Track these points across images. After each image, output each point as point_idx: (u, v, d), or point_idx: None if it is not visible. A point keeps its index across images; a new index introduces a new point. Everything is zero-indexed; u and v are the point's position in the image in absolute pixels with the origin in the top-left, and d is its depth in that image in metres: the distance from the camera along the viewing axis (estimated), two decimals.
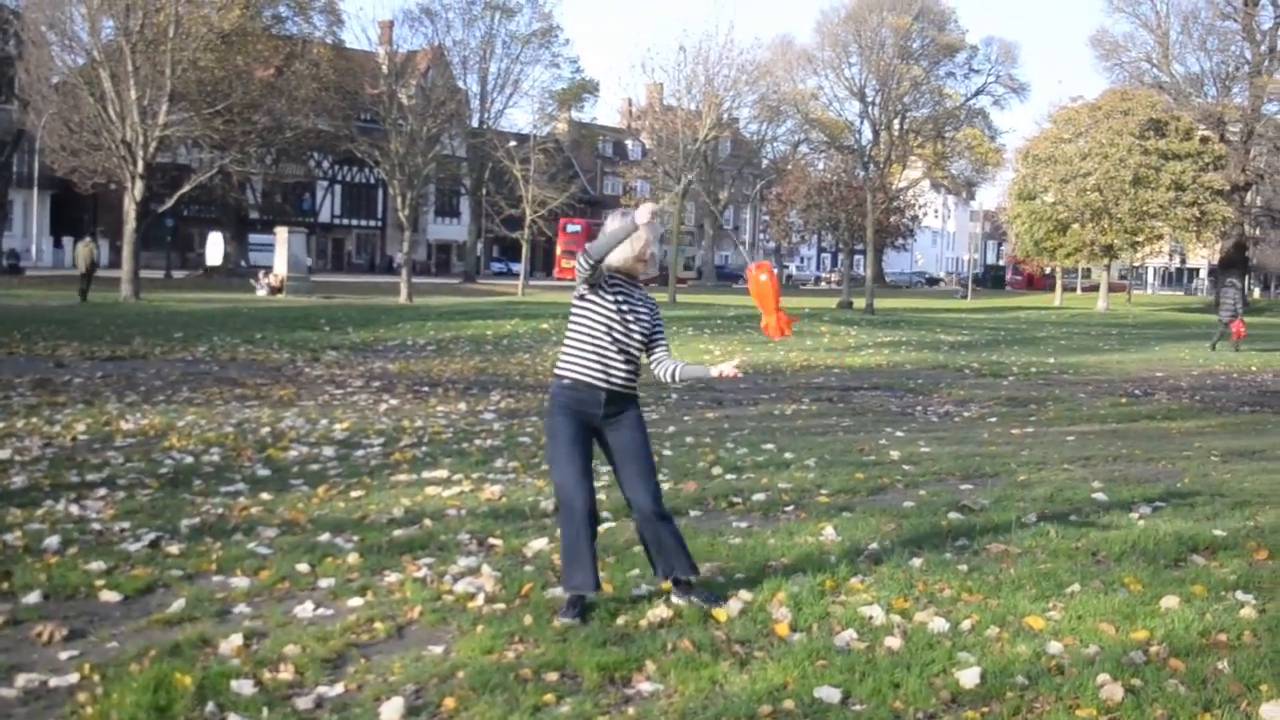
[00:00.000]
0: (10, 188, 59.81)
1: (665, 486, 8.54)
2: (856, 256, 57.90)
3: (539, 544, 6.72)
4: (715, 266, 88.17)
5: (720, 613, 5.49)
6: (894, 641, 5.15)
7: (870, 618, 5.48)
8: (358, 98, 58.57)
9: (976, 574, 6.27)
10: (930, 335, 30.16)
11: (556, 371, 5.59)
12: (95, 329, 22.57)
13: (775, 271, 5.51)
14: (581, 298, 5.49)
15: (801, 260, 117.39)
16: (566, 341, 5.59)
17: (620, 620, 5.41)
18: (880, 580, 6.12)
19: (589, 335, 5.48)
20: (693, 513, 7.81)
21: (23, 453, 9.50)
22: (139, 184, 36.03)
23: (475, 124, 69.69)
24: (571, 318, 5.57)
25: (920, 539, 7.10)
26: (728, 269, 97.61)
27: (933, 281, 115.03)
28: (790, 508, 8.03)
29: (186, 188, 40.77)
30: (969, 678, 4.66)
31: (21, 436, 10.30)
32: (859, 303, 46.75)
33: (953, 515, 7.80)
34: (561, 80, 76.60)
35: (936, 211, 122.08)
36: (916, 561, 6.50)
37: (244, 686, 4.54)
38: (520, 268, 56.91)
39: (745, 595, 5.75)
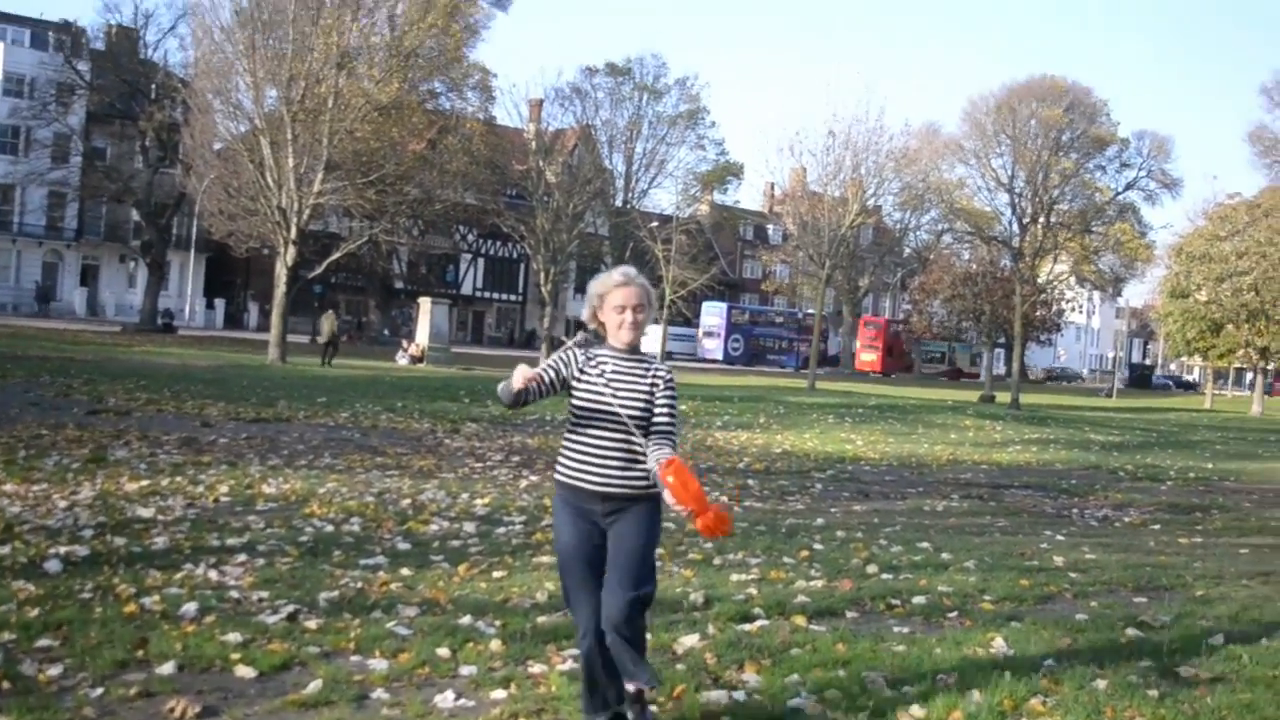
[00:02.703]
0: (169, 249, 61.77)
1: (817, 584, 8.12)
2: (997, 350, 56.70)
3: (690, 640, 6.35)
4: (852, 354, 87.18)
5: None
6: None
7: None
8: (505, 173, 59.52)
9: (1170, 701, 5.74)
10: (1079, 434, 29.15)
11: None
12: (242, 390, 22.87)
13: (685, 465, 4.51)
14: (571, 391, 4.80)
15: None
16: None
17: None
18: (1063, 703, 5.61)
19: (572, 430, 4.85)
20: (849, 614, 7.37)
21: (166, 512, 9.43)
22: (291, 250, 36.83)
23: (619, 203, 70.28)
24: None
25: (1099, 656, 6.57)
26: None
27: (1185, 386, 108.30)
28: (954, 614, 7.54)
29: (336, 255, 41.59)
30: None
31: (166, 495, 10.27)
32: (1001, 397, 45.61)
33: (1131, 631, 7.24)
34: (706, 162, 76.89)
35: (1080, 307, 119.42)
36: (1101, 683, 5.97)
37: None
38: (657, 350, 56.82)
39: (916, 712, 5.30)
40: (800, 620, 7.02)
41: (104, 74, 60.64)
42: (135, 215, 62.87)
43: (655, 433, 4.67)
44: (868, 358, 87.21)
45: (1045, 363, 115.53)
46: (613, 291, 4.78)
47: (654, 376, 4.75)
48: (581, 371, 4.74)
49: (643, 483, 4.69)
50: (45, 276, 69.83)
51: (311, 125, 36.88)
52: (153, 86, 56.86)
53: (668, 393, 4.73)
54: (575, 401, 4.73)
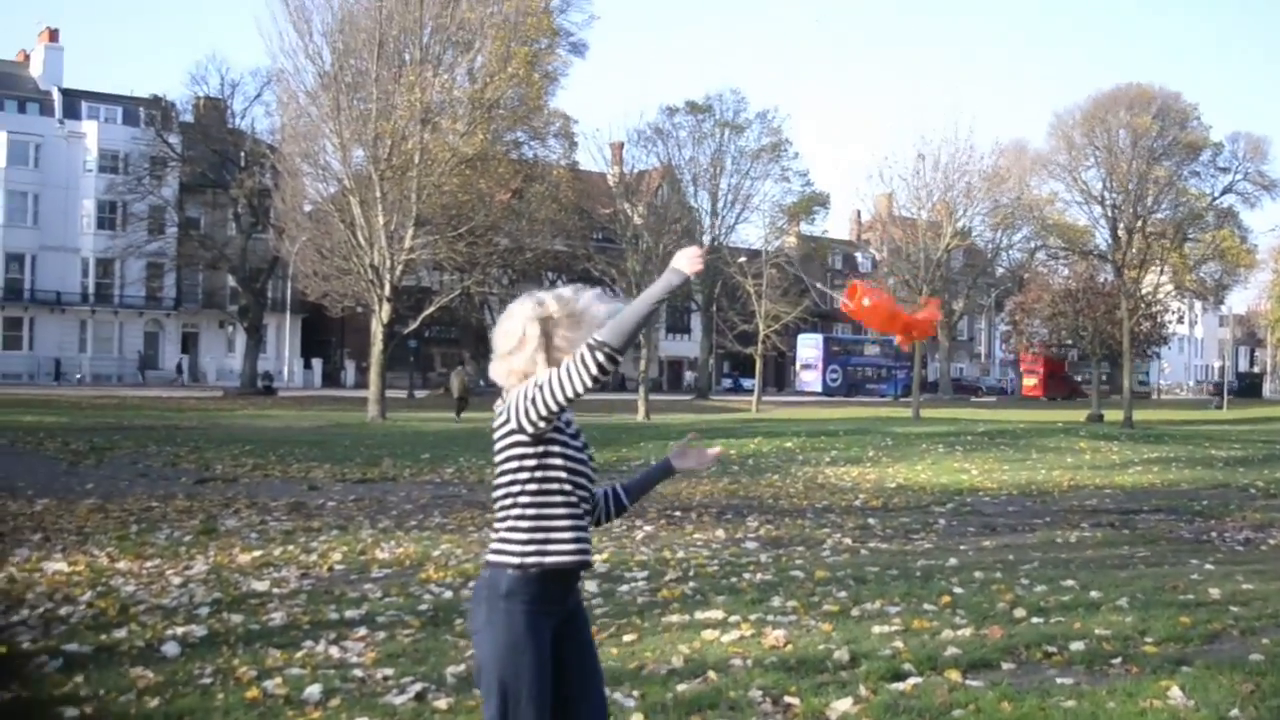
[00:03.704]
0: (265, 312, 62.67)
1: (964, 633, 7.63)
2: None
3: (843, 705, 5.92)
4: (951, 379, 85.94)
5: None
6: None
7: None
8: (592, 217, 59.60)
9: None
10: (1200, 450, 28.09)
11: (510, 558, 3.70)
12: (345, 450, 22.85)
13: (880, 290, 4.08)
14: (539, 439, 3.68)
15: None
16: (521, 510, 3.71)
17: None
18: None
19: (561, 494, 3.73)
20: (1005, 665, 6.88)
21: (281, 584, 9.21)
22: (386, 306, 37.01)
23: (707, 240, 70.03)
24: (523, 473, 3.71)
25: None
26: (964, 380, 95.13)
27: None
28: (1117, 660, 7.01)
29: (430, 309, 41.75)
30: None
31: (279, 566, 10.06)
32: (1109, 415, 44.49)
33: None
34: (792, 194, 76.50)
35: (1182, 317, 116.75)
36: None
37: None
38: (753, 383, 56.30)
39: None
40: (955, 675, 6.55)
41: (194, 145, 62.08)
42: (231, 281, 64.13)
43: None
44: (1029, 383, 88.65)
45: (1150, 378, 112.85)
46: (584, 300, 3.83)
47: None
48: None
49: None
50: (147, 345, 71.23)
51: (399, 182, 37.12)
52: (242, 154, 58.04)
53: None
54: (564, 456, 3.74)
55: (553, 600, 3.70)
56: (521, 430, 3.63)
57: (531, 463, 3.67)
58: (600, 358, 3.47)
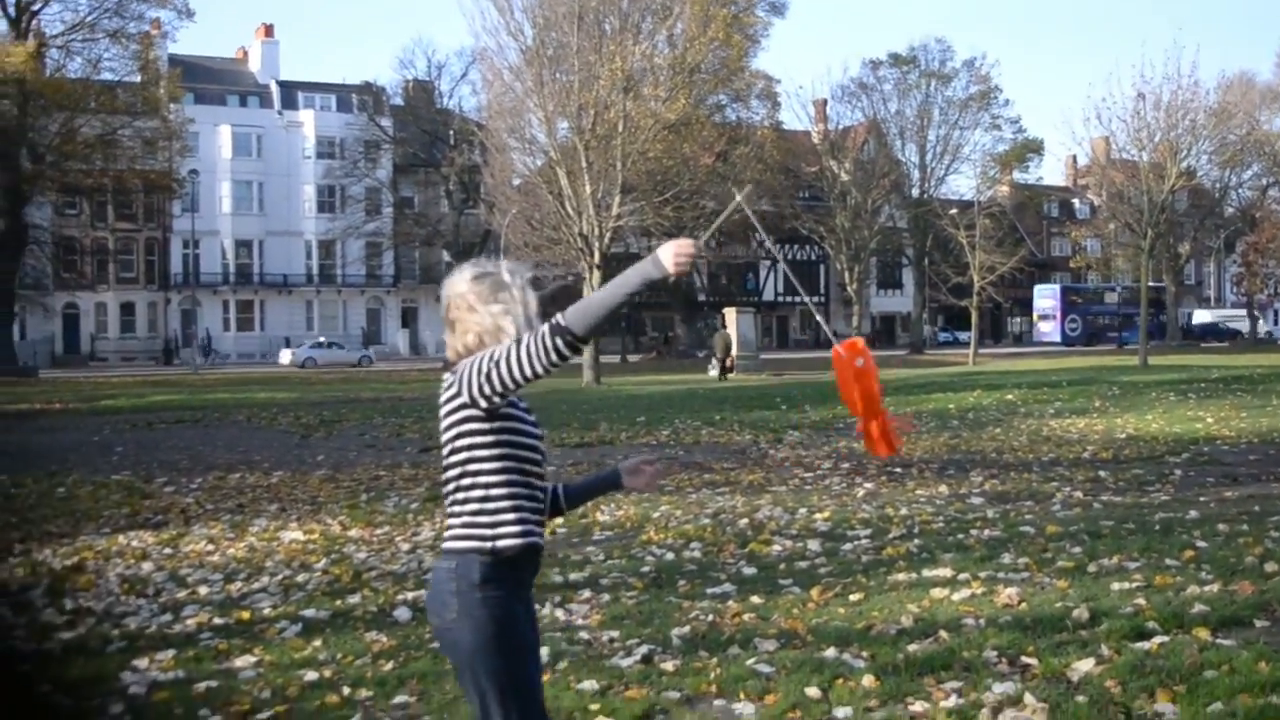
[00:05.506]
0: None
1: (1211, 589, 7.21)
2: None
3: (1084, 665, 5.66)
4: (1180, 325, 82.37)
5: None
6: None
7: None
8: (798, 176, 59.10)
9: None
10: None
11: (480, 543, 3.44)
12: (563, 415, 23.15)
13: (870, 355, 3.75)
14: (494, 414, 3.45)
15: (1276, 315, 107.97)
16: (485, 490, 3.46)
17: None
18: None
19: (521, 472, 3.52)
20: (1258, 622, 6.48)
21: None
22: (596, 274, 37.40)
23: (916, 193, 68.65)
24: (481, 450, 3.47)
25: None
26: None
27: None
28: None
29: None
30: None
31: None
32: None
33: None
34: (1003, 142, 74.39)
35: None
36: None
37: None
38: (969, 336, 55.06)
39: None
40: (1203, 633, 6.19)
41: (405, 127, 63.99)
42: (446, 256, 65.94)
43: None
44: None
45: None
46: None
47: None
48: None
49: None
50: (369, 322, 73.89)
51: (604, 151, 37.44)
52: (451, 133, 59.51)
53: None
54: (523, 433, 3.56)
55: (525, 584, 3.54)
56: (474, 404, 3.43)
57: (490, 439, 3.47)
58: (560, 343, 3.27)
